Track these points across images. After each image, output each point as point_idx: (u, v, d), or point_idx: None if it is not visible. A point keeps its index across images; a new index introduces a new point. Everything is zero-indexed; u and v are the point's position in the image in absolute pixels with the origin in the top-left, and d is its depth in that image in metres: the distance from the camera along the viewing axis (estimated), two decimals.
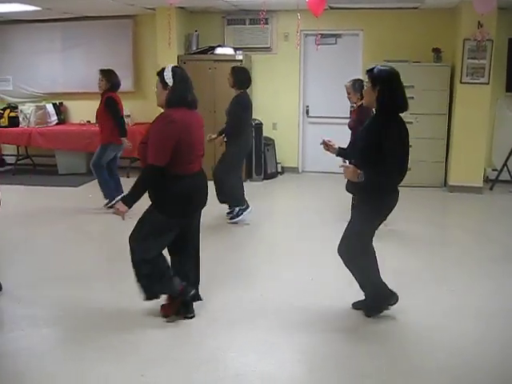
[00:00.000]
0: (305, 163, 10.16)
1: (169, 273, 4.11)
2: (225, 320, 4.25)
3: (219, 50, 9.18)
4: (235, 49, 9.27)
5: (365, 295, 4.28)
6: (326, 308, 4.45)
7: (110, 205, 7.32)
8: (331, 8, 8.71)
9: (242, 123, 6.66)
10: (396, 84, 3.87)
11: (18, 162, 10.41)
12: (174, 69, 3.97)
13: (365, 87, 4.03)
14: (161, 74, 3.96)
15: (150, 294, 4.13)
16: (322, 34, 9.23)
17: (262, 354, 3.76)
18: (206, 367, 3.58)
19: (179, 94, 3.92)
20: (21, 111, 10.10)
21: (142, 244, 3.97)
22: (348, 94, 6.56)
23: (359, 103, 6.27)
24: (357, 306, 4.35)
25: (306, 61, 9.76)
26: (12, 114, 10.29)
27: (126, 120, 9.56)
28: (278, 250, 6.07)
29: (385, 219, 4.13)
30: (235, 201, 6.83)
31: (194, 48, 9.46)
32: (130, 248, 4.00)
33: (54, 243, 6.21)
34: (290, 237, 6.45)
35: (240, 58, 8.92)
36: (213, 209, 6.06)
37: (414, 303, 4.47)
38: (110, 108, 7.18)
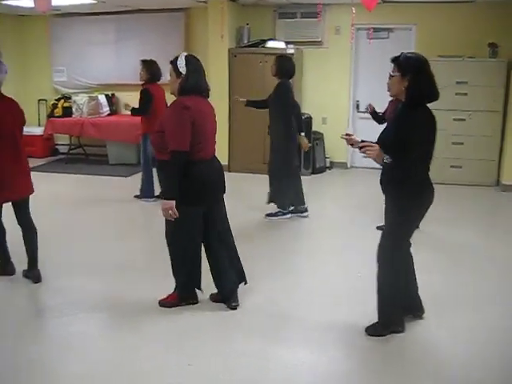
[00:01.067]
0: (354, 158, 10.07)
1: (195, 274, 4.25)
2: (273, 313, 4.26)
3: (270, 44, 9.17)
4: (286, 42, 9.25)
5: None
6: (373, 304, 4.41)
7: (138, 196, 7.51)
8: (384, 1, 8.60)
9: (287, 109, 6.48)
10: (427, 72, 3.61)
11: (71, 152, 10.63)
12: (187, 57, 3.97)
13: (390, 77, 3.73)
14: (174, 62, 3.96)
15: (184, 290, 4.27)
16: (374, 28, 9.15)
17: (312, 348, 3.75)
18: (254, 358, 3.59)
19: (192, 82, 3.94)
20: (74, 102, 10.32)
21: (173, 240, 4.12)
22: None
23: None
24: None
25: (357, 55, 9.66)
26: (66, 105, 10.54)
27: None
28: (326, 245, 6.05)
29: (418, 220, 3.84)
30: (279, 202, 6.73)
31: (245, 41, 9.47)
32: (167, 245, 4.17)
33: (101, 232, 6.32)
34: (338, 232, 6.41)
35: (291, 51, 8.87)
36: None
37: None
38: (141, 99, 7.21)
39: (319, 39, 9.59)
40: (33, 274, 4.77)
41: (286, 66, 6.47)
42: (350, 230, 6.42)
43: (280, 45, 9.15)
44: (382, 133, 3.90)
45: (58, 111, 10.49)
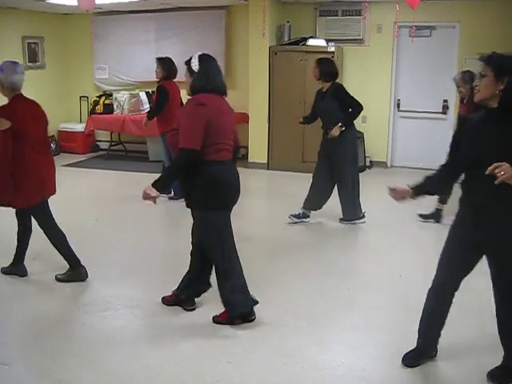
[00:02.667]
0: (394, 158, 9.97)
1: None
2: (308, 315, 4.24)
3: (311, 42, 9.11)
4: (327, 40, 9.19)
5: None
6: (413, 308, 4.35)
7: (173, 198, 7.44)
8: None
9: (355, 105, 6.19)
10: None
11: (111, 148, 10.75)
12: (200, 56, 3.91)
13: (477, 78, 3.15)
14: (188, 62, 3.91)
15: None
16: (416, 26, 9.01)
17: (348, 349, 3.73)
18: (290, 359, 3.58)
19: (205, 79, 3.83)
20: (115, 99, 10.44)
21: (208, 251, 4.01)
22: (458, 87, 6.21)
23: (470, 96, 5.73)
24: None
25: (398, 53, 9.53)
26: (107, 102, 10.67)
27: None
28: (367, 245, 6.00)
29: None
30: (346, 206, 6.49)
31: (286, 39, 9.44)
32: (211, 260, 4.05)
33: (141, 228, 6.38)
34: (380, 233, 6.34)
35: (332, 49, 8.82)
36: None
37: None
38: (158, 97, 7.16)
39: (360, 37, 9.50)
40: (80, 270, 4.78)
41: (328, 69, 6.21)
42: (387, 231, 6.35)
43: (321, 43, 9.09)
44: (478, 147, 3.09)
45: (100, 108, 10.62)
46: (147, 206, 7.10)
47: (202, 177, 3.74)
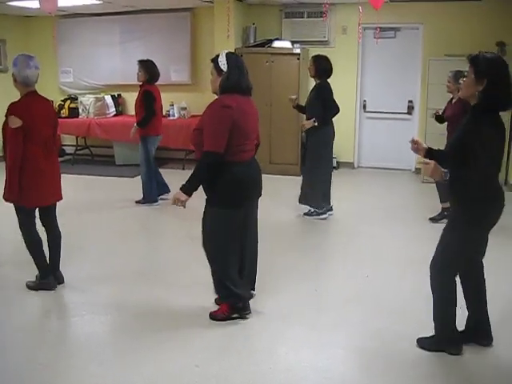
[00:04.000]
0: (360, 158, 10.04)
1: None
2: (278, 314, 4.23)
3: (277, 44, 9.13)
4: (292, 42, 9.22)
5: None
6: (383, 308, 4.38)
7: (139, 202, 7.37)
8: (391, 0, 8.56)
9: (333, 107, 6.51)
10: (507, 77, 3.22)
11: (77, 152, 10.63)
12: (228, 54, 3.89)
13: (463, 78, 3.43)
14: (215, 60, 3.89)
15: (224, 295, 4.10)
16: (380, 28, 9.09)
17: (315, 350, 3.72)
18: (257, 360, 3.58)
19: (233, 80, 3.82)
20: (80, 102, 10.33)
21: (212, 245, 3.99)
22: (448, 82, 6.43)
23: (456, 93, 6.15)
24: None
25: (363, 54, 9.61)
26: (72, 105, 10.54)
27: (183, 112, 9.67)
28: (335, 246, 6.03)
29: (482, 238, 3.53)
30: (312, 201, 6.73)
31: (252, 41, 9.45)
32: (205, 252, 4.05)
33: (110, 234, 6.31)
34: (348, 233, 6.38)
35: (297, 51, 8.86)
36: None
37: None
38: (146, 102, 7.08)
39: (326, 39, 9.56)
40: (57, 276, 4.72)
41: (324, 66, 6.48)
42: (360, 230, 6.40)
43: (286, 44, 9.12)
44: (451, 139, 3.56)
45: (65, 112, 10.48)
46: (115, 210, 7.10)
47: (222, 177, 3.78)
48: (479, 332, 3.73)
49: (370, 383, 3.35)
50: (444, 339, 3.63)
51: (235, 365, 3.53)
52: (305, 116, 6.83)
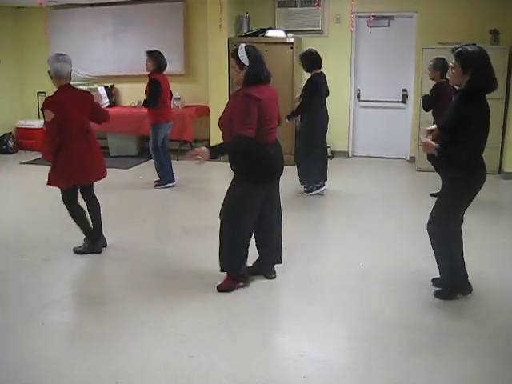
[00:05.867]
0: (355, 147, 10.04)
1: (246, 253, 4.44)
2: (271, 306, 4.26)
3: (270, 33, 9.09)
4: (286, 31, 9.19)
5: (441, 278, 4.32)
6: (380, 296, 4.39)
7: (158, 186, 7.71)
8: None
9: (312, 101, 6.94)
10: (488, 65, 3.84)
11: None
12: (247, 48, 4.12)
13: (449, 68, 3.97)
14: (235, 55, 4.11)
15: (228, 267, 4.41)
16: (374, 16, 9.07)
17: (312, 339, 3.73)
18: (254, 351, 3.58)
19: (255, 72, 4.10)
20: None
21: (234, 217, 4.26)
22: (428, 71, 6.92)
23: (439, 81, 6.71)
24: (436, 282, 4.41)
25: (357, 43, 9.58)
26: None
27: (176, 103, 9.64)
28: (328, 235, 6.04)
29: (469, 202, 4.06)
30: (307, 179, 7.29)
31: (245, 31, 9.40)
32: (222, 222, 4.33)
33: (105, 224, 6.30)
34: (344, 221, 6.39)
35: (291, 40, 8.83)
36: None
37: None
38: (151, 88, 7.34)
39: (319, 28, 9.53)
40: (101, 239, 5.33)
41: (313, 60, 6.99)
42: (355, 217, 6.41)
43: (280, 34, 9.09)
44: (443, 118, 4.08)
45: None
46: (110, 202, 7.08)
47: (254, 158, 4.13)
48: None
49: (369, 372, 3.37)
50: (456, 285, 4.23)
51: (230, 354, 3.54)
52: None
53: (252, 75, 4.09)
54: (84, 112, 4.98)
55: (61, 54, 4.87)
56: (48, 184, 4.99)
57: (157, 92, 7.33)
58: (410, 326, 3.86)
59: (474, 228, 5.44)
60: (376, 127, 9.78)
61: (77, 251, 5.25)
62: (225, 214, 4.31)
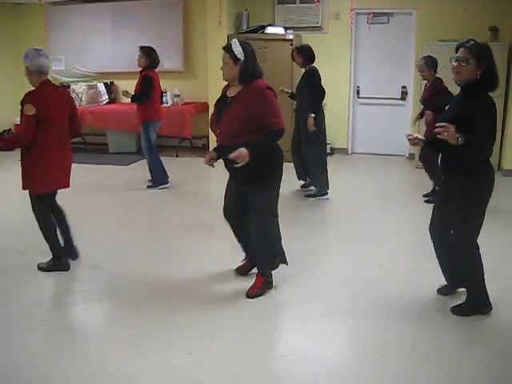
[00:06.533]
0: (354, 144, 10.04)
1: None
2: (276, 300, 4.25)
3: (270, 30, 9.09)
4: (285, 28, 9.18)
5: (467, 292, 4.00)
6: (379, 294, 4.39)
7: (152, 187, 7.52)
8: None
9: (321, 94, 6.93)
10: (494, 62, 3.70)
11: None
12: (242, 44, 3.99)
13: (455, 63, 3.67)
14: (229, 49, 3.96)
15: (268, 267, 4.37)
16: (373, 13, 9.06)
17: (312, 336, 3.73)
18: (253, 348, 3.58)
19: (252, 67, 4.01)
20: (73, 90, 10.26)
21: (268, 220, 4.22)
22: (421, 71, 6.70)
23: (432, 79, 6.60)
24: (443, 291, 4.24)
25: (357, 40, 9.58)
26: None
27: (176, 99, 9.63)
28: (327, 232, 6.04)
29: (487, 202, 3.78)
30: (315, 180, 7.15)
31: (245, 27, 9.40)
32: (257, 231, 4.21)
33: (104, 221, 6.30)
34: (344, 219, 6.39)
35: (290, 37, 8.83)
36: None
37: None
38: (143, 84, 7.16)
39: (319, 24, 9.52)
40: (72, 252, 4.91)
41: (309, 54, 6.83)
42: (356, 215, 6.41)
43: (279, 30, 9.08)
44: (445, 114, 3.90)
45: None
46: (109, 198, 7.07)
47: (269, 155, 4.04)
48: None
49: (367, 369, 3.37)
50: (479, 302, 3.93)
51: (229, 351, 3.53)
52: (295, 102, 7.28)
53: (252, 70, 3.98)
54: (63, 113, 4.61)
55: (39, 49, 4.55)
56: (24, 189, 4.59)
57: (149, 88, 7.15)
58: (409, 325, 3.86)
59: None
60: (375, 124, 9.78)
61: (41, 268, 4.78)
62: (264, 227, 4.22)
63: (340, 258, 5.13)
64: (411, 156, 9.26)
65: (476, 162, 3.67)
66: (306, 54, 6.84)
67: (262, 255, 4.32)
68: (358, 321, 3.93)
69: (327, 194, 7.02)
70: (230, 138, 4.01)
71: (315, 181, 7.12)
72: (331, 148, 9.79)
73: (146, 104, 7.21)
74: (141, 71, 7.31)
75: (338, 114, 9.65)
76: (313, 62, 6.89)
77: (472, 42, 3.64)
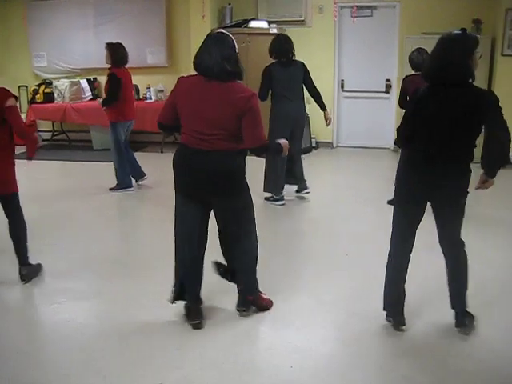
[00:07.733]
0: (339, 138, 10.05)
1: None
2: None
3: (253, 24, 9.07)
4: (269, 22, 9.16)
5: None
6: (362, 287, 4.39)
7: (114, 189, 7.17)
8: None
9: (265, 92, 6.36)
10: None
11: (54, 138, 10.51)
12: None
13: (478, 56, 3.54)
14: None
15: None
16: (357, 6, 9.06)
17: (296, 329, 3.74)
18: (239, 342, 3.59)
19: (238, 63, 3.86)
20: (55, 87, 10.18)
21: (253, 231, 3.85)
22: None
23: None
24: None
25: (340, 34, 9.58)
26: (47, 90, 10.38)
27: (159, 95, 9.58)
28: (314, 226, 6.04)
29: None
30: (267, 186, 6.58)
31: (228, 21, 9.36)
32: (244, 247, 3.83)
33: (89, 218, 6.26)
34: (327, 214, 6.39)
35: (274, 31, 8.79)
36: None
37: None
38: (110, 86, 6.78)
39: (302, 18, 9.51)
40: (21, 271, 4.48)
41: (277, 47, 6.44)
42: (340, 210, 6.41)
43: (263, 24, 9.06)
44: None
45: (40, 97, 10.32)
46: (94, 195, 7.01)
47: (243, 163, 3.70)
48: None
49: (352, 361, 3.37)
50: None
51: (216, 345, 3.53)
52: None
53: (240, 68, 3.81)
54: None
55: None
56: None
57: (116, 89, 6.71)
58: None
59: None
60: (360, 117, 9.80)
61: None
62: (247, 227, 3.80)
63: (328, 251, 5.13)
64: (396, 148, 9.27)
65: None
66: (272, 47, 6.44)
67: (250, 281, 3.94)
68: (344, 313, 3.93)
69: (283, 200, 6.53)
70: (213, 140, 3.74)
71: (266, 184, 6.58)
72: (316, 142, 9.80)
73: (115, 103, 6.80)
74: (109, 69, 6.88)
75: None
76: (277, 57, 6.44)
77: (463, 32, 3.49)
